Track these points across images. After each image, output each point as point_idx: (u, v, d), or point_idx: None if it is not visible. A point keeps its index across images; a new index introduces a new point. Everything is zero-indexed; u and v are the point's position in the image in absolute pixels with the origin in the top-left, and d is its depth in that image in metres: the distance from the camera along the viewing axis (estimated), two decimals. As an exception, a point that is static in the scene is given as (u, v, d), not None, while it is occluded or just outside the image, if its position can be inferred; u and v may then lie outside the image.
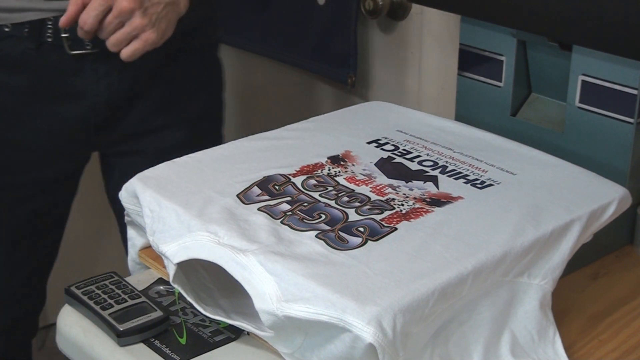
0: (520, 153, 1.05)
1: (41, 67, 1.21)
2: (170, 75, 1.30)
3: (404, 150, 1.06)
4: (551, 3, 1.02)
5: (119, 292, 0.94)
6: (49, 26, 1.18)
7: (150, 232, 0.92)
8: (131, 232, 1.03)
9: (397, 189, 0.96)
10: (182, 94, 1.32)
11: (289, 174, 0.98)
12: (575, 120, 1.11)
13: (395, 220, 0.89)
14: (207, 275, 0.92)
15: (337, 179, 0.98)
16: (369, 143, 1.07)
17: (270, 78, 1.91)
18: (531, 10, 1.05)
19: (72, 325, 0.93)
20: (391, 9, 1.55)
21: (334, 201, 0.93)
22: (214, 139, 1.39)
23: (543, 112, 1.19)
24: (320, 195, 0.94)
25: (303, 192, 0.95)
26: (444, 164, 1.02)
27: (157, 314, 0.90)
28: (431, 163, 1.02)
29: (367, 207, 0.92)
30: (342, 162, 1.02)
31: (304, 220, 0.89)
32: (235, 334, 0.89)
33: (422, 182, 0.98)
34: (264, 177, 0.98)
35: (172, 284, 0.88)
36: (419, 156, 1.04)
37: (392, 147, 1.06)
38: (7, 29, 1.18)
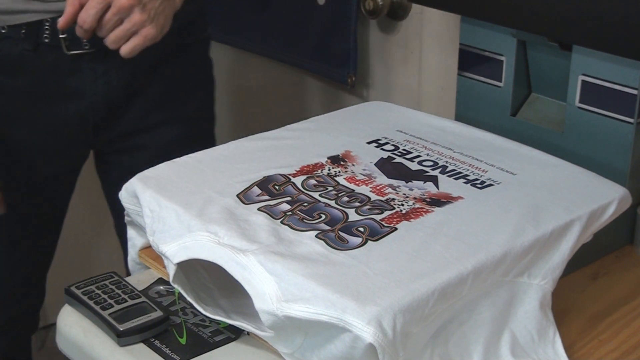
0: (520, 153, 1.05)
1: (39, 68, 1.21)
2: (167, 73, 1.31)
3: (404, 150, 1.06)
4: (551, 3, 1.02)
5: (119, 292, 0.94)
6: (47, 27, 1.18)
7: (150, 232, 0.92)
8: (131, 232, 1.03)
9: (397, 189, 0.96)
10: (178, 91, 1.33)
11: (289, 174, 0.98)
12: (575, 120, 1.11)
13: (395, 220, 0.89)
14: (207, 275, 0.92)
15: (337, 179, 0.98)
16: (369, 143, 1.07)
17: (270, 78, 1.91)
18: (531, 10, 1.05)
19: (72, 325, 0.93)
20: (391, 9, 1.55)
21: (334, 201, 0.93)
22: (209, 135, 1.40)
23: (543, 112, 1.19)
24: (320, 195, 0.94)
25: (303, 192, 0.95)
26: (444, 164, 1.02)
27: (157, 314, 0.90)
28: (431, 163, 1.02)
29: (367, 207, 0.92)
30: (342, 162, 1.02)
31: (304, 220, 0.89)
32: (235, 334, 0.89)
33: (422, 182, 0.98)
34: (264, 177, 0.98)
35: (172, 284, 0.88)
36: (419, 156, 1.04)
37: (392, 147, 1.06)
38: (3, 31, 1.18)
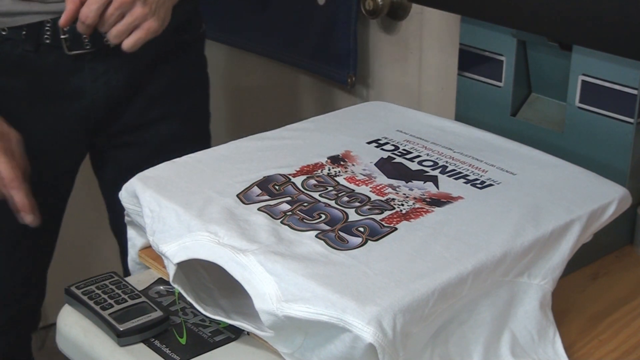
0: (520, 153, 1.05)
1: (40, 69, 1.21)
2: (165, 70, 1.31)
3: (404, 150, 1.06)
4: (551, 3, 1.02)
5: (119, 292, 0.94)
6: (47, 28, 1.18)
7: (150, 232, 0.92)
8: (131, 232, 1.03)
9: (397, 189, 0.96)
10: (175, 88, 1.34)
11: (289, 174, 0.98)
12: (575, 120, 1.11)
13: (395, 220, 0.89)
14: (207, 275, 0.92)
15: (337, 179, 0.98)
16: (369, 143, 1.07)
17: (270, 78, 1.91)
18: (531, 10, 1.05)
19: (72, 325, 0.93)
20: (391, 9, 1.55)
21: (334, 201, 0.93)
22: (204, 132, 1.42)
23: (543, 112, 1.19)
24: (320, 195, 0.94)
25: (303, 192, 0.95)
26: (444, 164, 1.02)
27: (157, 314, 0.90)
28: (431, 163, 1.02)
29: (367, 207, 0.92)
30: (342, 162, 1.02)
31: (304, 220, 0.89)
32: (235, 334, 0.89)
33: (422, 182, 0.98)
34: (264, 177, 0.98)
35: (172, 284, 0.88)
36: (419, 156, 1.04)
37: (392, 147, 1.06)
38: (4, 33, 1.19)
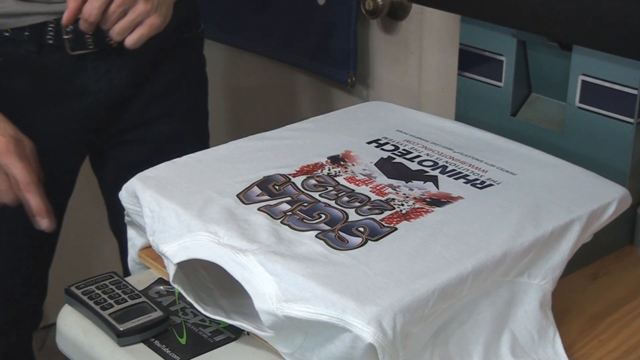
0: (520, 153, 1.05)
1: (43, 69, 1.21)
2: (166, 69, 1.32)
3: (404, 150, 1.06)
4: (551, 3, 1.02)
5: (119, 292, 0.94)
6: (50, 29, 1.19)
7: (150, 232, 0.92)
8: (131, 232, 1.03)
9: (397, 189, 0.96)
10: (175, 87, 1.35)
11: (289, 174, 0.98)
12: (575, 120, 1.11)
13: (395, 220, 0.89)
14: (207, 275, 0.92)
15: (337, 179, 0.98)
16: (369, 143, 1.07)
17: (270, 78, 1.91)
18: (531, 10, 1.05)
19: (72, 325, 0.93)
20: (391, 9, 1.55)
21: (334, 201, 0.93)
22: (204, 130, 1.42)
23: (543, 112, 1.19)
24: (320, 195, 0.94)
25: (303, 192, 0.95)
26: (444, 164, 1.02)
27: (157, 314, 0.90)
28: (431, 163, 1.02)
29: (367, 207, 0.92)
30: (342, 162, 1.02)
31: (304, 220, 0.89)
32: (235, 334, 0.89)
33: (422, 182, 0.98)
34: (264, 177, 0.98)
35: (172, 284, 0.88)
36: (419, 156, 1.04)
37: (392, 147, 1.06)
38: (6, 34, 1.19)
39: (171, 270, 0.88)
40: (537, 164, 1.02)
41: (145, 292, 0.95)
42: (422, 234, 0.87)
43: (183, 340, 0.88)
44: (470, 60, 1.23)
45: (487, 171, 1.00)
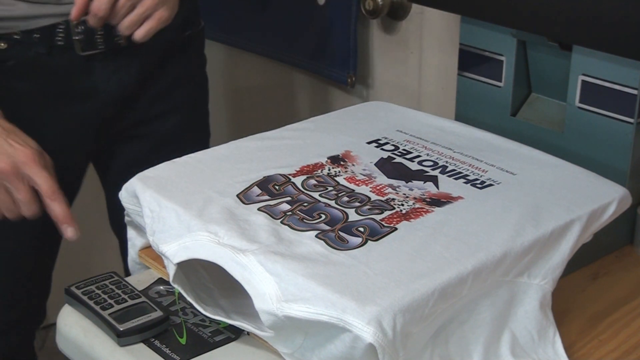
0: (520, 153, 1.05)
1: (53, 70, 1.22)
2: (170, 66, 1.32)
3: (404, 150, 1.06)
4: (551, 3, 1.02)
5: (119, 292, 0.94)
6: (60, 30, 1.19)
7: (150, 232, 0.92)
8: (131, 232, 1.03)
9: (397, 189, 0.96)
10: (179, 84, 1.35)
11: (289, 174, 0.98)
12: (575, 120, 1.11)
13: (395, 220, 0.89)
14: (207, 275, 0.92)
15: (337, 179, 0.98)
16: (369, 143, 1.07)
17: (270, 78, 1.91)
18: (531, 10, 1.05)
19: (72, 325, 0.93)
20: (391, 9, 1.55)
21: (334, 201, 0.93)
22: (205, 127, 1.43)
23: (543, 112, 1.19)
24: (320, 195, 0.94)
25: (303, 192, 0.95)
26: (444, 164, 1.02)
27: (157, 314, 0.90)
28: (431, 163, 1.02)
29: (367, 207, 0.92)
30: (342, 162, 1.02)
31: (304, 220, 0.89)
32: (235, 334, 0.89)
33: (422, 182, 0.98)
34: (264, 177, 0.98)
35: (172, 284, 0.88)
36: (419, 156, 1.04)
37: (392, 147, 1.06)
38: (16, 37, 1.19)
39: (171, 270, 0.88)
40: (537, 164, 1.02)
41: (145, 292, 0.95)
42: (422, 234, 0.87)
43: (183, 340, 0.88)
44: (470, 60, 1.23)
45: (487, 171, 1.00)
